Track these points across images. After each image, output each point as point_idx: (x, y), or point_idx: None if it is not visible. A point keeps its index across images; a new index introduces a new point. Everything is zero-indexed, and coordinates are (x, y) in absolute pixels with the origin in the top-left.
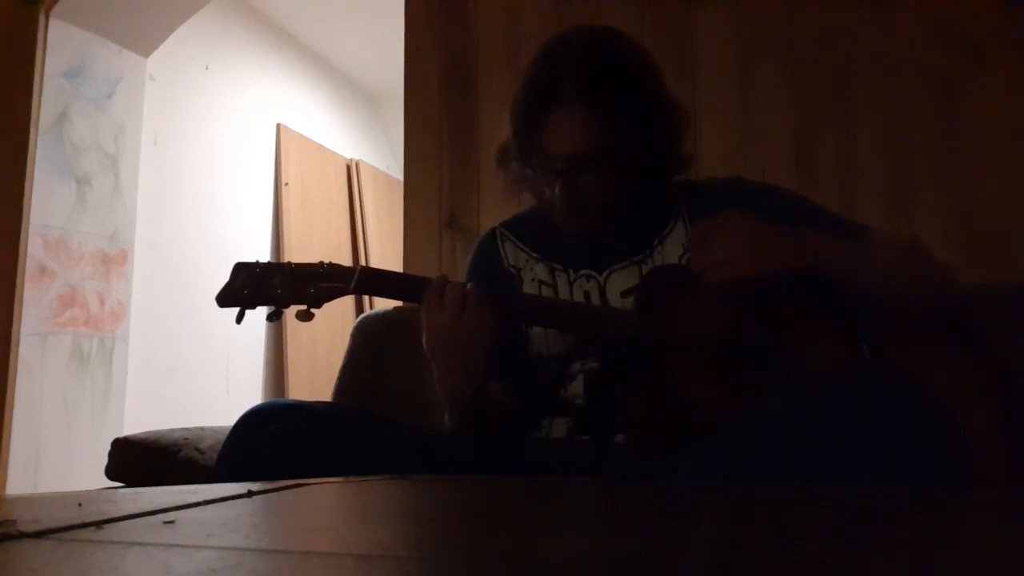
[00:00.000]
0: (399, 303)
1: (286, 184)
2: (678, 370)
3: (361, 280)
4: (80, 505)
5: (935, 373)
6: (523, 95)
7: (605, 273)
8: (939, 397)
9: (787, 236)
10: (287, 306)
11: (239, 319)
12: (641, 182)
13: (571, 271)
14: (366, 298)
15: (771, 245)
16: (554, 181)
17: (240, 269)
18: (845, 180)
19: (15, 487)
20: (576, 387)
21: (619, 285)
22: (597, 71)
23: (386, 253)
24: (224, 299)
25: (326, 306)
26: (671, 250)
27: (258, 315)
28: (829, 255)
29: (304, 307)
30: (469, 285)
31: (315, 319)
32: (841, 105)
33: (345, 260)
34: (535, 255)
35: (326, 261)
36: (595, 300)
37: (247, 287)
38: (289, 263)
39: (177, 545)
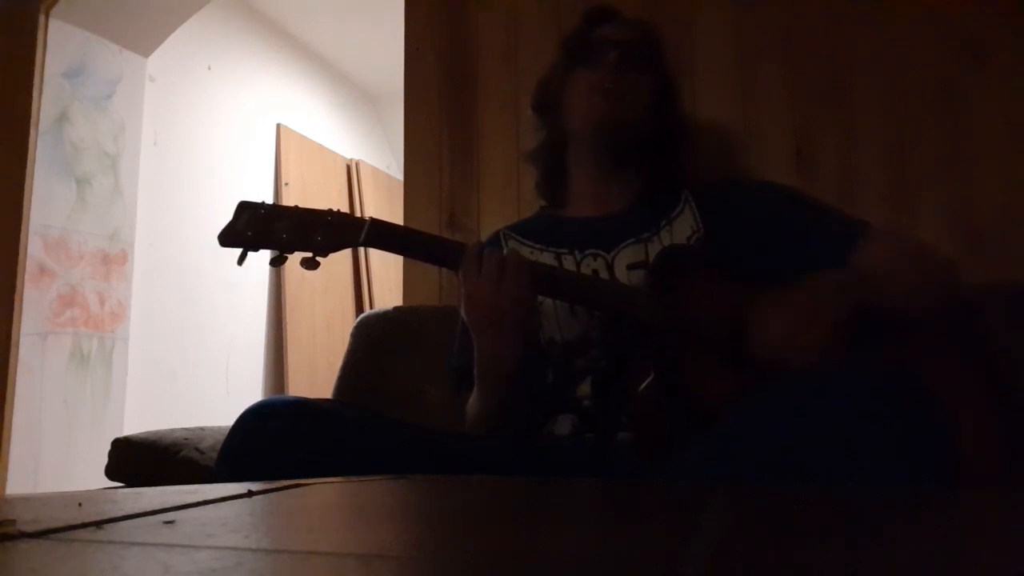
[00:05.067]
0: (399, 303)
1: (286, 184)
2: (686, 365)
3: (371, 233)
4: (80, 505)
5: (935, 372)
6: (577, 23)
7: (613, 253)
8: (935, 394)
9: (825, 312)
10: (291, 252)
11: (241, 261)
12: (655, 139)
13: (577, 252)
14: (366, 298)
15: (810, 324)
16: (605, 56)
17: (244, 209)
18: (845, 180)
19: (15, 487)
20: (584, 388)
21: (625, 261)
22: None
23: (386, 252)
24: (226, 239)
25: (327, 305)
26: (679, 231)
27: (258, 321)
28: (852, 300)
29: (309, 255)
30: (505, 250)
31: (315, 317)
32: (841, 105)
33: (346, 259)
34: (538, 246)
35: (333, 208)
36: (603, 276)
37: (251, 228)
38: (296, 207)
39: (177, 545)
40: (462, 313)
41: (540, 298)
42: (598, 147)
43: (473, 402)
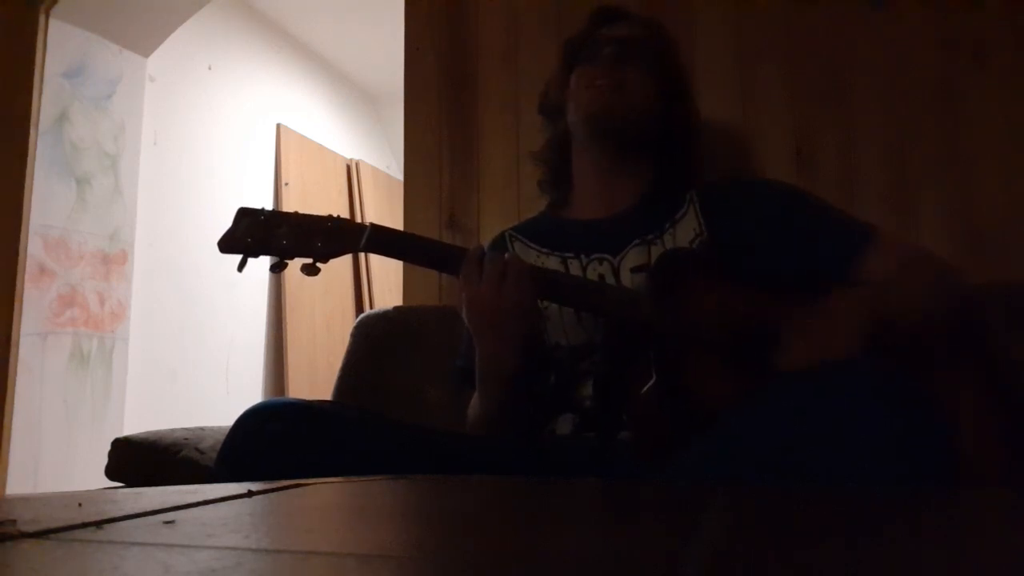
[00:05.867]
0: (399, 303)
1: (286, 184)
2: (686, 364)
3: (372, 239)
4: (80, 505)
5: (935, 372)
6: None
7: (619, 256)
8: (935, 394)
9: (851, 335)
10: (292, 258)
11: (241, 267)
12: (660, 137)
13: (583, 256)
14: (366, 298)
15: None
16: (605, 52)
17: (243, 215)
18: (845, 180)
19: (15, 487)
20: (585, 389)
21: (630, 263)
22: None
23: None
24: (226, 245)
25: (327, 305)
26: (683, 233)
27: (258, 321)
28: (878, 315)
29: (310, 261)
30: (507, 255)
31: (315, 317)
32: (841, 105)
33: (346, 259)
34: (544, 250)
35: (333, 210)
36: (609, 281)
37: (250, 235)
38: (296, 212)
39: (177, 545)
40: (463, 317)
41: (545, 303)
42: (596, 142)
43: (474, 404)
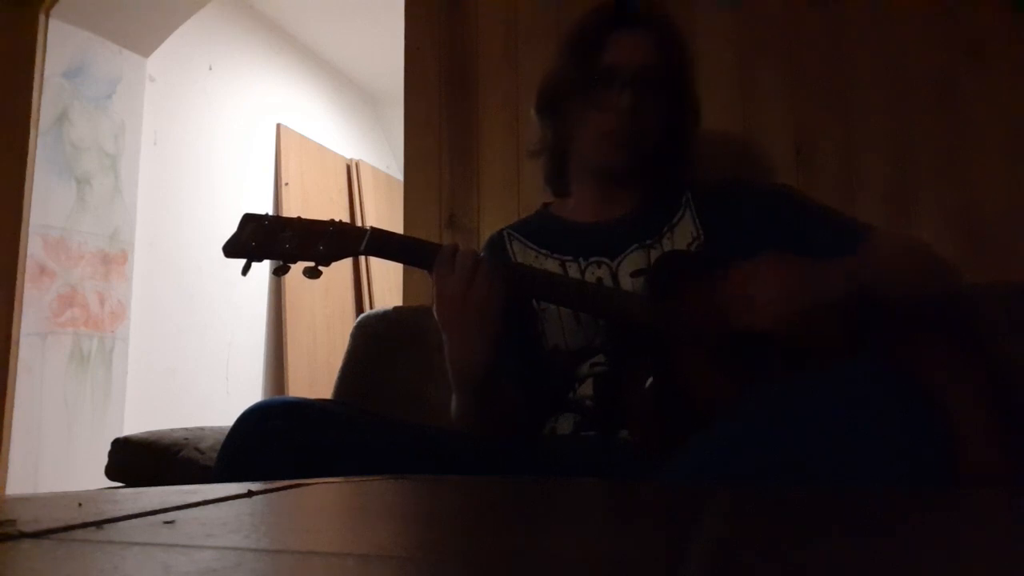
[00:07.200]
0: (399, 303)
1: (286, 184)
2: (683, 364)
3: (372, 242)
4: (80, 505)
5: (934, 371)
6: (589, 19)
7: (617, 260)
8: (935, 395)
9: (813, 274)
10: (294, 261)
11: (245, 271)
12: (663, 151)
13: (581, 260)
14: (366, 298)
15: (801, 287)
16: (615, 96)
17: (248, 220)
18: (845, 180)
19: (15, 487)
20: (586, 389)
21: (628, 268)
22: (657, 13)
23: None
24: (231, 249)
25: (327, 305)
26: (680, 237)
27: (258, 321)
28: (849, 280)
29: (312, 264)
30: (509, 251)
31: (315, 317)
32: (841, 105)
33: (346, 259)
34: (543, 251)
35: (334, 208)
36: (607, 285)
37: (255, 239)
38: (298, 218)
39: (177, 545)
40: (433, 312)
41: (544, 305)
42: (602, 173)
43: (453, 400)
